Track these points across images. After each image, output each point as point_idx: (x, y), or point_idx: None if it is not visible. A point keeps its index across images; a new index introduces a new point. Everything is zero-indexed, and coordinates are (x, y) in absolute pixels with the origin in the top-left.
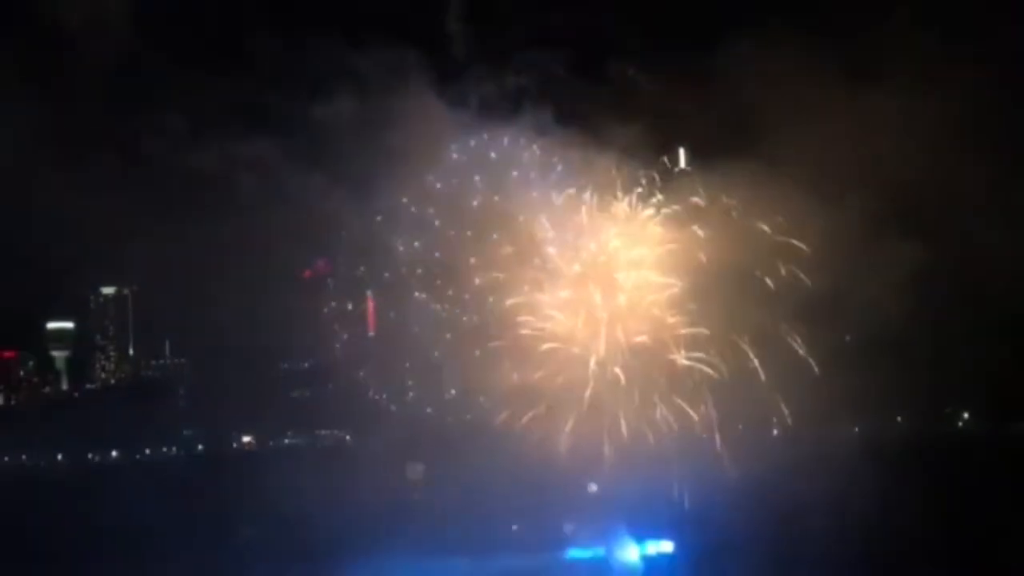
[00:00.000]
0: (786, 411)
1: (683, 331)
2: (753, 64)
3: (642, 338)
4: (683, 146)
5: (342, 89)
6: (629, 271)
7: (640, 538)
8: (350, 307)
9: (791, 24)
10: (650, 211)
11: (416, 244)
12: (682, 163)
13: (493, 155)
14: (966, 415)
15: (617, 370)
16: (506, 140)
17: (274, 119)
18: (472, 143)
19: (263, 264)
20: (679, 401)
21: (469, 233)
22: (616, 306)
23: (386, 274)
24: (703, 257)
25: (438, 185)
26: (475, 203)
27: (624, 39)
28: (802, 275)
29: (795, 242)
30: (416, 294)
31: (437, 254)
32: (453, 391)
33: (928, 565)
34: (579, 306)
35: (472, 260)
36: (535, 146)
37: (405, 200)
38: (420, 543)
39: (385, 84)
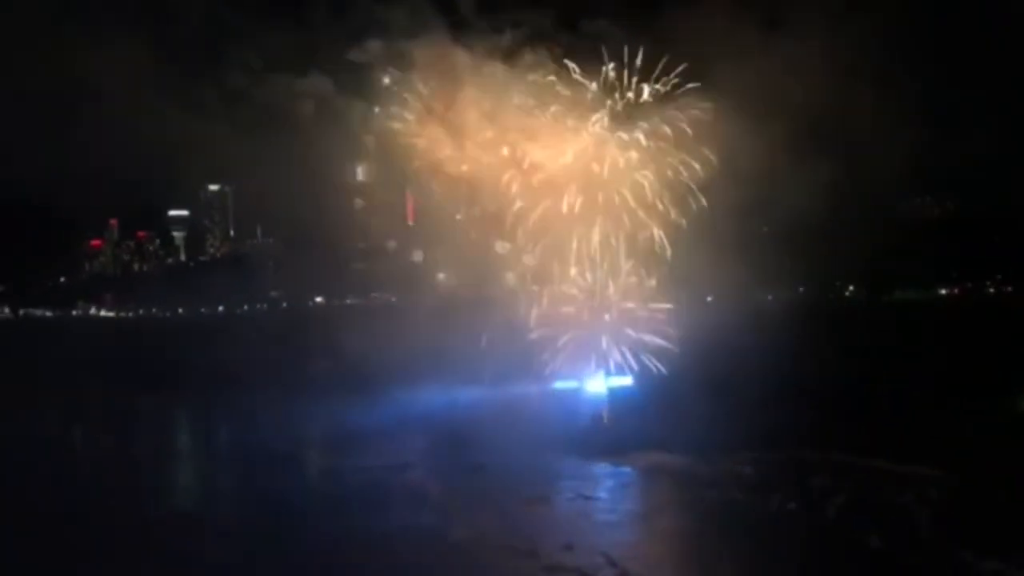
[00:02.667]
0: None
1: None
2: (697, 22)
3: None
4: (646, 84)
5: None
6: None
7: (606, 373)
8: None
9: None
10: (622, 134)
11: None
12: (646, 95)
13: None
14: (851, 287)
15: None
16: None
17: (329, 60)
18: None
19: (331, 169)
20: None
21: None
22: (594, 199)
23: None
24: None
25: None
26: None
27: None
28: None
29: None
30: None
31: (464, 167)
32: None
33: (813, 396)
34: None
35: (474, 163)
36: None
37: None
38: (446, 375)
39: (407, 30)
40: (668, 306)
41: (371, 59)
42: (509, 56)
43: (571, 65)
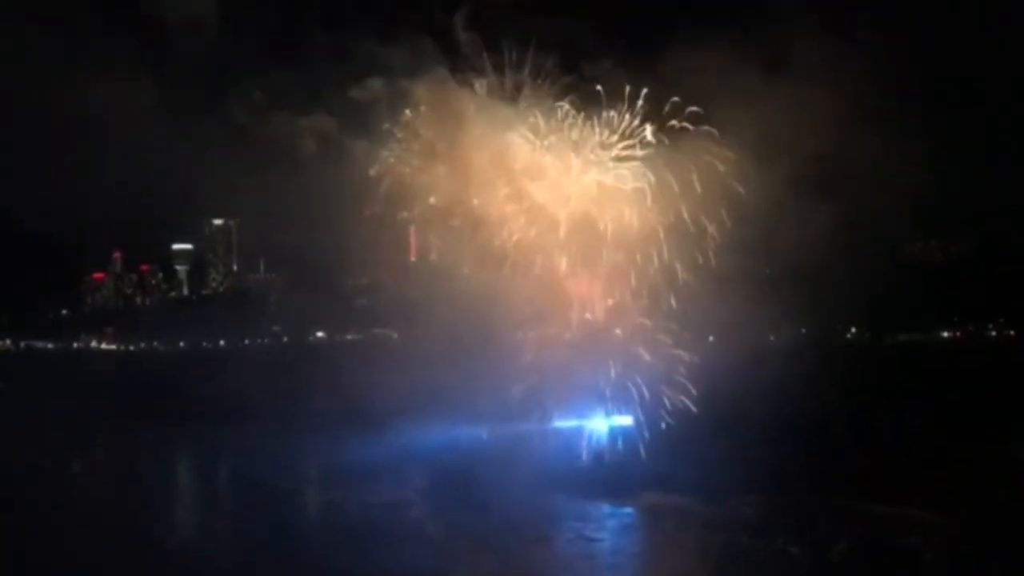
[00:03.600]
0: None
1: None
2: (698, 64)
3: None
4: (648, 125)
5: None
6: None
7: (607, 413)
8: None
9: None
10: (624, 171)
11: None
12: (648, 137)
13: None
14: (853, 329)
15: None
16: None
17: (332, 98)
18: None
19: (336, 204)
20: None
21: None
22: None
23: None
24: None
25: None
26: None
27: (597, 43)
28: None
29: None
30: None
31: (466, 205)
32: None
33: (816, 438)
34: (571, 243)
35: (476, 201)
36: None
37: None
38: (447, 412)
39: (409, 67)
40: (669, 342)
41: (373, 97)
42: (512, 96)
43: (568, 107)
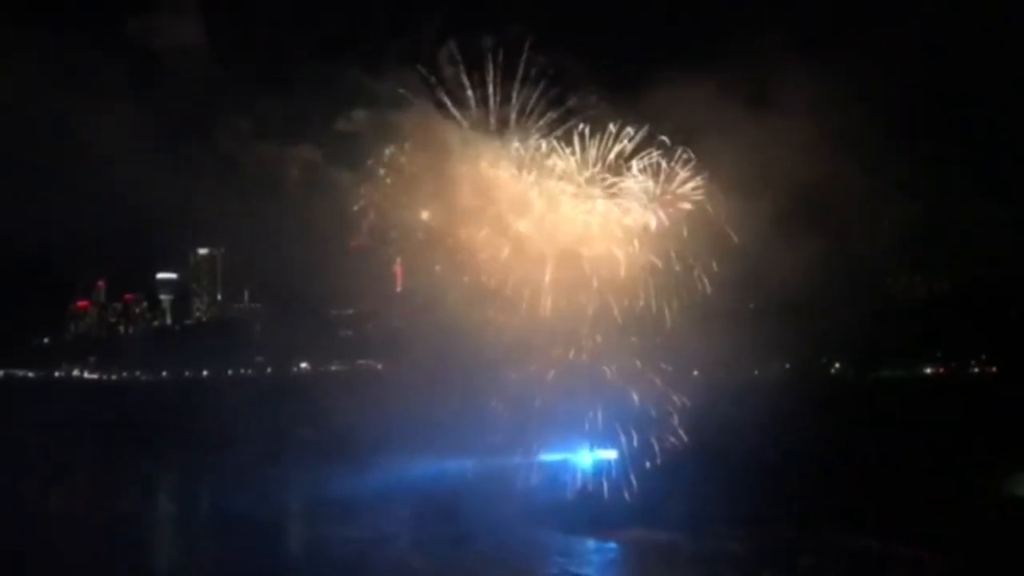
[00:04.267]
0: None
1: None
2: (683, 97)
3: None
4: (635, 161)
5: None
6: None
7: (592, 446)
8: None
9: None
10: (613, 207)
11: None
12: (634, 171)
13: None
14: (837, 364)
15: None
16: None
17: (319, 128)
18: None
19: (322, 234)
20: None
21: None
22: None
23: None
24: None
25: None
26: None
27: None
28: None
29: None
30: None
31: (462, 234)
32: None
33: (801, 472)
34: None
35: (462, 234)
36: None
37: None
38: (433, 447)
39: (395, 99)
40: (654, 376)
41: (359, 129)
42: (498, 130)
43: (554, 141)
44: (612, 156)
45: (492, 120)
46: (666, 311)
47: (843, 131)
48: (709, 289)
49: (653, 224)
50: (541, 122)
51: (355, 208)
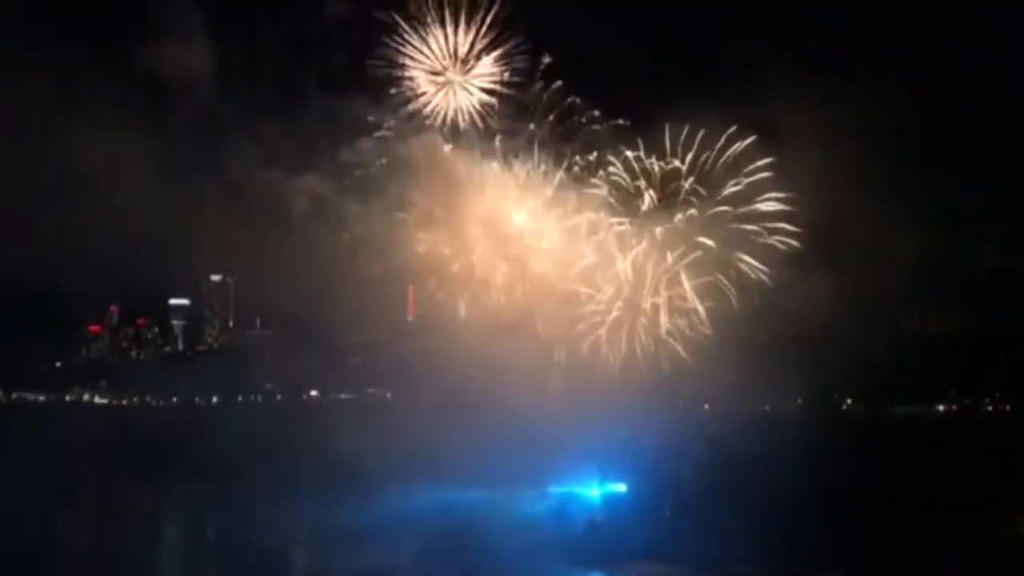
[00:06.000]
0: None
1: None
2: (693, 130)
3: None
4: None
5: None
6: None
7: (601, 479)
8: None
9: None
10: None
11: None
12: (647, 204)
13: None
14: (849, 401)
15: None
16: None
17: (329, 158)
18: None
19: (333, 262)
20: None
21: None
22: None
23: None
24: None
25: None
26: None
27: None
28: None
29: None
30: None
31: (475, 265)
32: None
33: (810, 510)
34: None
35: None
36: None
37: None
38: (440, 476)
39: (401, 130)
40: (664, 409)
41: (367, 159)
42: (506, 157)
43: (564, 174)
44: (625, 187)
45: (503, 151)
46: (676, 342)
47: (855, 163)
48: (720, 321)
49: (665, 256)
50: (552, 153)
51: (367, 234)
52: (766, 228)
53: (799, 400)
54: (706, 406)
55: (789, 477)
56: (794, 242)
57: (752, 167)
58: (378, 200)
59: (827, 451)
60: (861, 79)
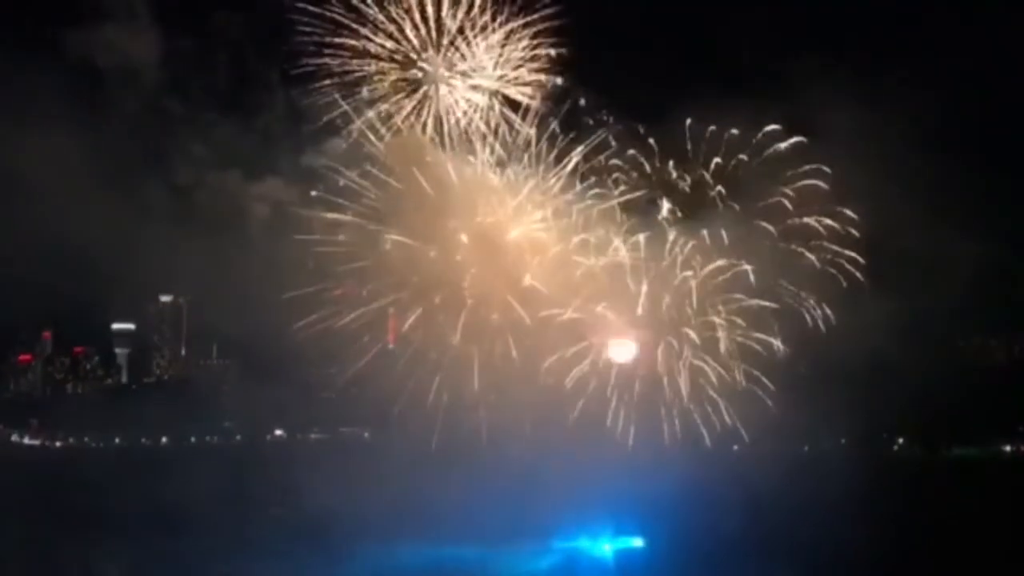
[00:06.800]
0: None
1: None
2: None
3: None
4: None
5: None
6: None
7: (615, 533)
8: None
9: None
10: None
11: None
12: (664, 213)
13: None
14: (901, 440)
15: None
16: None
17: (295, 164)
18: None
19: (302, 281)
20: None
21: (459, 258)
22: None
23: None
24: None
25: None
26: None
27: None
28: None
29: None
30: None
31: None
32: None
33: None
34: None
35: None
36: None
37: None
38: (425, 530)
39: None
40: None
41: (338, 162)
42: (503, 164)
43: (565, 179)
44: (639, 196)
45: (500, 155)
46: (706, 373)
47: (911, 178)
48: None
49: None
50: (554, 156)
51: (339, 248)
52: (816, 248)
53: (843, 440)
54: (735, 447)
55: (833, 532)
56: (855, 271)
57: (793, 172)
58: (351, 209)
59: (875, 500)
60: (912, 77)
